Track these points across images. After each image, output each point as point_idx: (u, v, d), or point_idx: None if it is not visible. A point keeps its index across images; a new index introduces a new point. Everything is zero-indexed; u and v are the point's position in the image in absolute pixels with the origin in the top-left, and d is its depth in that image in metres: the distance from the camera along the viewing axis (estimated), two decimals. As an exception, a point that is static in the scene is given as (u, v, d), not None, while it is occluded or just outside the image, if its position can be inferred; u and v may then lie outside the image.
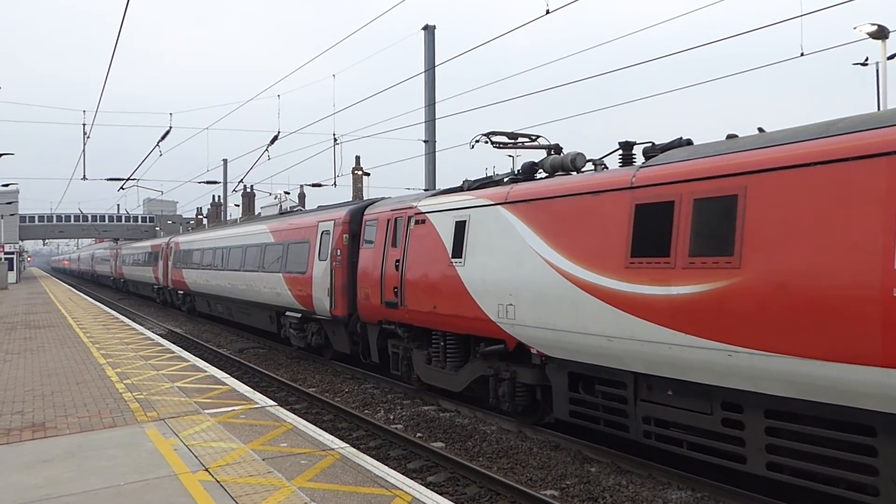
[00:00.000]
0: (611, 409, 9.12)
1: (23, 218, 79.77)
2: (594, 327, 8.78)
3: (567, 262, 9.31)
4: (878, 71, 21.16)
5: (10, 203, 59.18)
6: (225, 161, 50.42)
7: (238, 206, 69.99)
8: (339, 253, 15.86)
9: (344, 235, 15.86)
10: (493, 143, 12.96)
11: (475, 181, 12.43)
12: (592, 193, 9.19)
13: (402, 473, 7.90)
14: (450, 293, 11.63)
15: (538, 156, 12.19)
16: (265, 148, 26.88)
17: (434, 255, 12.17)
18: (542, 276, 9.69)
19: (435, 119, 22.73)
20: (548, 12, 13.72)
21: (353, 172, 42.05)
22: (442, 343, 12.27)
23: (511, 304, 10.26)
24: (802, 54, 14.15)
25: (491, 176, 12.47)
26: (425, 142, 23.03)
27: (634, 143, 9.73)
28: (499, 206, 10.86)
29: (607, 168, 10.48)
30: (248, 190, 60.88)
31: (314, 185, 36.68)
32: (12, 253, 60.40)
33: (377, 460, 7.81)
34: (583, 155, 10.74)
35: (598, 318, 8.72)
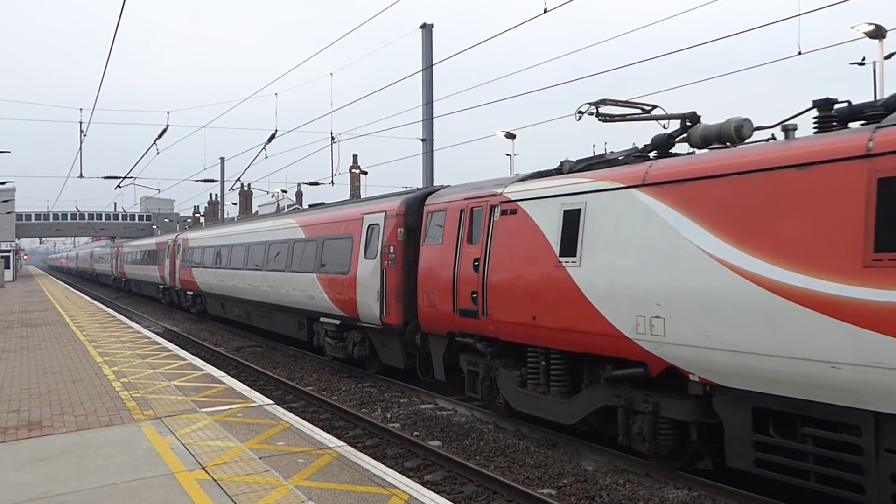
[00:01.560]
0: (831, 462, 6.81)
1: (19, 216, 79.58)
2: (807, 349, 6.64)
3: (755, 260, 7.16)
4: (875, 70, 21.20)
5: (6, 201, 59.05)
6: (222, 159, 50.39)
7: (235, 204, 69.96)
8: (391, 250, 13.74)
9: (398, 230, 13.73)
10: (599, 115, 10.40)
11: (580, 161, 10.37)
12: (797, 167, 7.00)
13: (400, 472, 7.91)
14: (557, 301, 9.45)
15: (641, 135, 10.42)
16: (262, 146, 26.83)
17: (532, 252, 10.00)
18: (710, 279, 7.53)
19: (432, 118, 22.72)
20: (545, 11, 13.71)
21: (350, 171, 42.04)
22: (543, 363, 10.06)
23: (658, 317, 8.01)
24: (800, 53, 14.17)
25: (603, 154, 10.40)
26: (423, 140, 23.02)
27: (835, 101, 7.53)
28: (633, 190, 8.57)
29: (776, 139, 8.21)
30: (246, 188, 60.84)
31: (311, 184, 36.63)
32: (8, 251, 60.27)
33: (374, 459, 7.81)
34: (749, 121, 8.58)
35: (814, 338, 6.59)
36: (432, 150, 22.91)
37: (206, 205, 79.45)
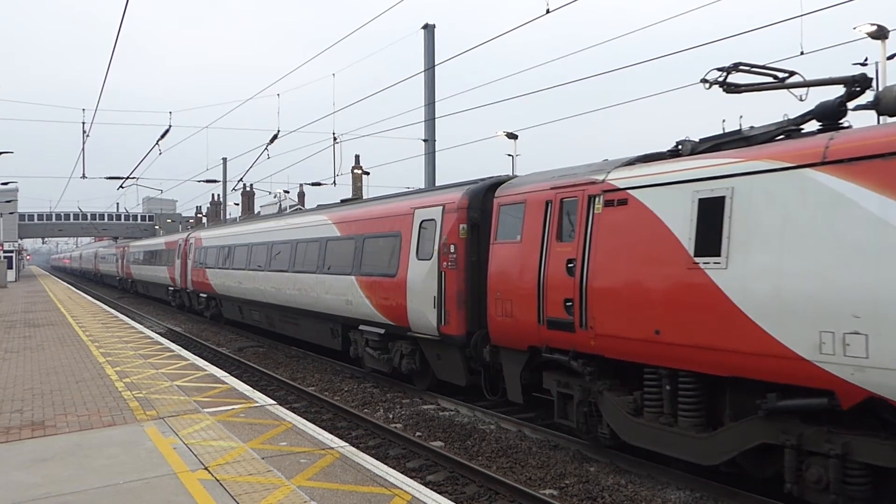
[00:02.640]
0: None
1: (22, 216, 79.83)
2: None
3: None
4: (877, 71, 21.18)
5: (9, 201, 59.18)
6: (224, 160, 50.46)
7: (237, 205, 70.09)
8: (452, 249, 12.07)
9: (460, 226, 12.04)
10: (726, 85, 8.60)
11: (705, 140, 8.70)
12: None
13: (402, 472, 7.91)
14: (692, 312, 7.73)
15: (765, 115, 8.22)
16: (265, 147, 26.88)
17: (652, 251, 8.25)
18: None
19: (434, 118, 22.74)
20: (548, 11, 13.72)
21: (352, 171, 42.09)
22: (668, 387, 8.25)
23: (856, 333, 6.29)
24: (802, 53, 14.17)
25: (738, 130, 8.49)
26: (425, 141, 23.04)
27: None
28: (807, 170, 6.93)
29: None
30: (248, 189, 60.95)
31: (314, 184, 36.72)
32: (11, 251, 60.39)
33: (376, 459, 7.81)
34: None
35: None
36: (434, 151, 22.92)
37: (209, 205, 79.65)
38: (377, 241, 14.64)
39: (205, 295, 28.37)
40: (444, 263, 12.22)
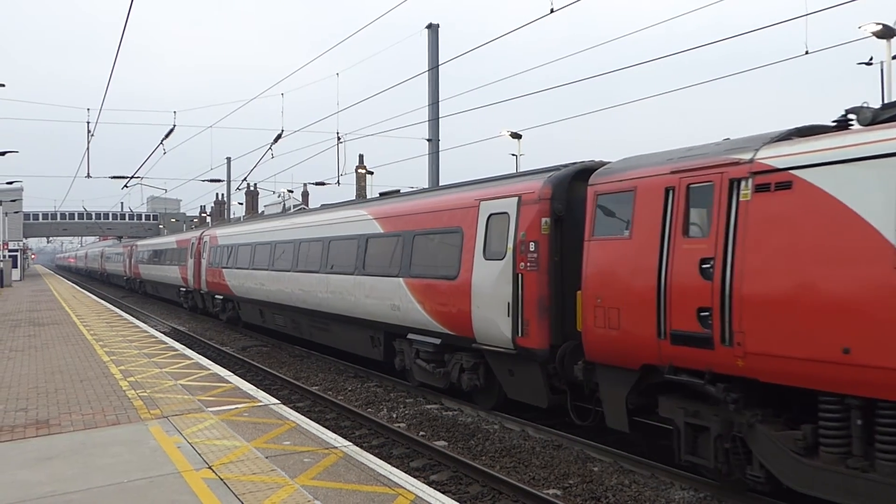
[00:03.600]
0: None
1: (27, 215, 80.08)
2: None
3: None
4: (882, 70, 21.14)
5: (14, 201, 59.35)
6: (228, 159, 50.55)
7: (241, 204, 70.19)
8: (532, 248, 10.37)
9: (542, 220, 10.34)
10: None
11: (891, 106, 7.21)
12: None
13: (405, 472, 7.91)
14: None
15: None
16: (269, 146, 26.92)
17: (837, 246, 6.61)
18: None
19: (438, 118, 22.74)
20: (552, 11, 13.71)
21: (356, 171, 42.12)
22: (858, 421, 6.59)
23: None
24: (807, 52, 14.14)
25: None
26: (429, 140, 23.03)
27: None
28: None
29: None
30: (252, 188, 61.02)
31: (318, 184, 36.76)
32: (16, 250, 60.56)
33: (380, 459, 7.83)
34: None
35: None
36: (438, 151, 22.93)
37: (213, 205, 79.78)
38: (431, 238, 12.97)
39: (221, 297, 26.51)
40: (522, 264, 10.48)
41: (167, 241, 37.84)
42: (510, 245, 10.77)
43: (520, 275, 10.52)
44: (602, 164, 10.36)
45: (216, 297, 27.14)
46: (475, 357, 11.85)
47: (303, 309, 18.36)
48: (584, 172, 10.28)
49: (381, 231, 14.69)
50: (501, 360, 11.20)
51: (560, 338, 10.19)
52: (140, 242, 48.14)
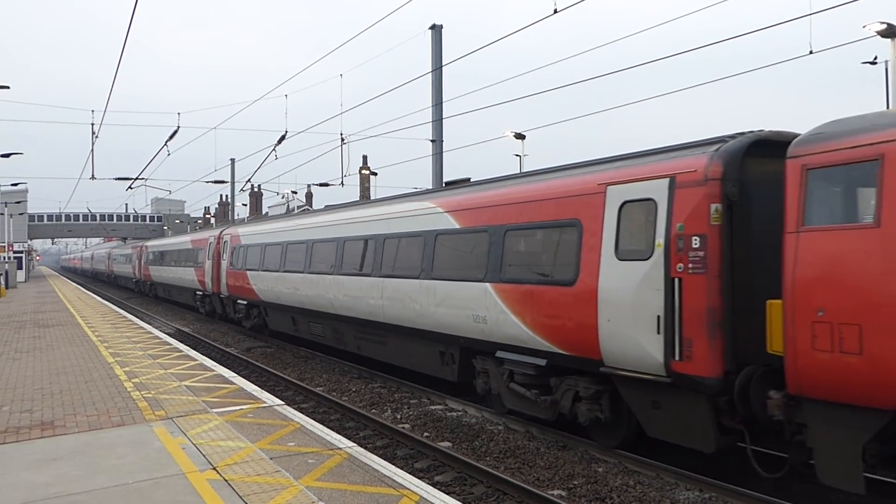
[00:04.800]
0: None
1: (31, 217, 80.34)
2: None
3: None
4: (887, 69, 21.09)
5: (19, 202, 59.54)
6: (232, 160, 50.61)
7: (245, 205, 70.36)
8: (696, 243, 8.08)
9: (712, 206, 8.02)
10: None
11: None
12: None
13: (410, 473, 7.92)
14: None
15: None
16: (272, 147, 26.93)
17: None
18: None
19: (442, 118, 22.73)
20: (555, 11, 13.70)
21: (360, 172, 42.16)
22: None
23: None
24: (811, 52, 14.10)
25: None
26: (432, 141, 23.03)
27: None
28: None
29: None
30: (256, 189, 61.14)
31: (321, 185, 36.76)
32: (21, 252, 60.74)
33: (384, 460, 7.82)
34: None
35: None
36: (442, 152, 22.92)
37: (217, 206, 79.95)
38: (532, 233, 10.79)
39: (244, 302, 24.02)
40: (680, 265, 8.20)
41: (181, 240, 35.28)
42: (659, 241, 8.46)
43: (677, 279, 8.18)
44: (779, 133, 8.45)
45: (238, 301, 24.67)
46: (597, 383, 9.52)
47: (348, 318, 16.09)
48: (758, 145, 8.25)
49: (457, 226, 12.35)
50: (643, 389, 8.84)
51: (733, 362, 7.86)
52: (151, 243, 45.93)
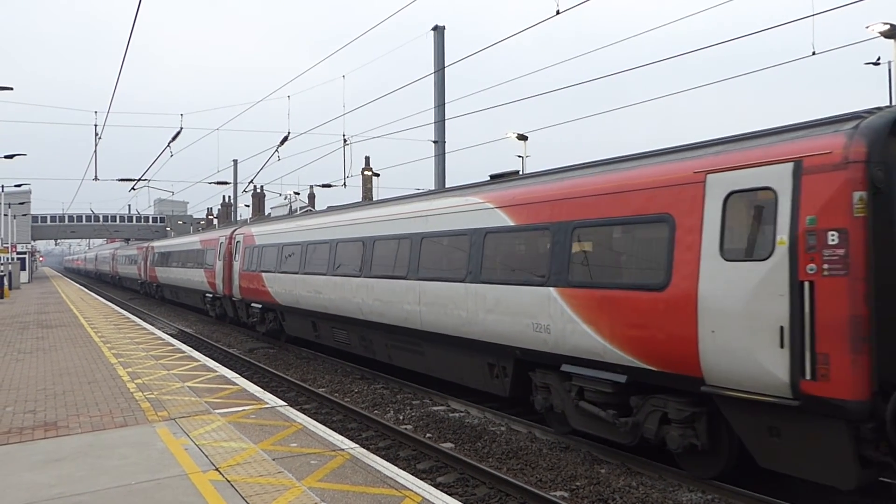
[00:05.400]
0: None
1: (35, 218, 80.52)
2: None
3: None
4: (890, 70, 21.07)
5: (22, 203, 59.69)
6: (235, 162, 50.72)
7: (248, 206, 70.45)
8: (833, 239, 6.87)
9: (854, 195, 6.82)
10: None
11: None
12: None
13: (412, 474, 7.92)
14: None
15: None
16: (275, 149, 26.96)
17: None
18: None
19: (444, 120, 22.75)
20: (558, 13, 13.71)
21: (362, 173, 42.19)
22: None
23: None
24: (814, 53, 14.09)
25: None
26: (435, 142, 23.05)
27: None
28: None
29: None
30: (259, 190, 61.19)
31: (324, 186, 36.79)
32: (24, 253, 60.87)
33: (387, 461, 7.83)
34: None
35: None
36: (444, 153, 22.93)
37: (220, 207, 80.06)
38: (608, 231, 9.44)
39: (259, 305, 22.72)
40: (813, 266, 6.91)
41: (189, 241, 33.98)
42: (782, 238, 7.19)
43: (807, 283, 6.92)
44: None
45: (252, 305, 23.30)
46: (692, 404, 8.31)
47: (379, 324, 14.80)
48: None
49: (511, 223, 11.03)
50: (757, 412, 7.57)
51: (878, 382, 6.72)
52: (157, 243, 44.40)
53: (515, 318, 10.59)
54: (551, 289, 9.94)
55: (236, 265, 24.62)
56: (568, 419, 10.11)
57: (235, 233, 25.67)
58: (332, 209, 19.83)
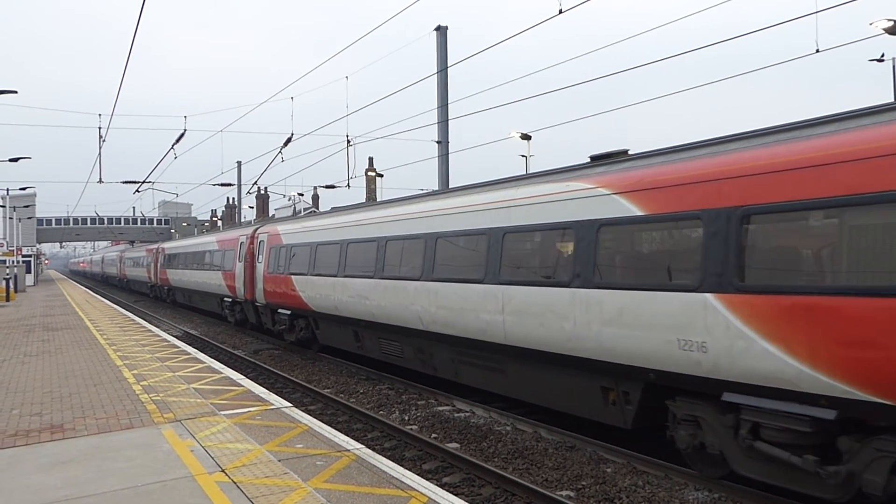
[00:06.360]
0: None
1: (40, 221, 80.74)
2: None
3: None
4: (894, 66, 21.02)
5: (27, 206, 59.84)
6: (239, 163, 50.77)
7: (252, 207, 70.54)
8: None
9: None
10: None
11: None
12: None
13: (418, 474, 7.92)
14: None
15: None
16: (279, 150, 27.00)
17: None
18: None
19: (448, 120, 22.74)
20: (560, 12, 13.70)
21: (366, 174, 42.24)
22: None
23: None
24: (818, 51, 14.04)
25: None
26: (438, 143, 23.04)
27: None
28: None
29: None
30: (263, 192, 61.29)
31: (328, 187, 36.84)
32: (30, 256, 61.05)
33: (392, 461, 7.82)
34: None
35: None
36: (448, 153, 22.92)
37: (224, 208, 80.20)
38: (804, 218, 7.20)
39: (287, 312, 20.74)
40: None
41: (204, 241, 31.85)
42: None
43: None
44: None
45: (280, 311, 21.29)
46: None
47: (444, 335, 12.75)
48: None
49: (638, 212, 8.83)
50: None
51: None
52: (168, 244, 42.49)
53: (649, 333, 8.41)
54: (708, 295, 7.79)
55: (260, 267, 22.67)
56: (730, 462, 7.97)
57: (258, 232, 23.60)
58: (380, 203, 17.64)
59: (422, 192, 15.62)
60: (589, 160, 10.63)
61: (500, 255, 11.22)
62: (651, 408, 8.98)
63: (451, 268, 12.55)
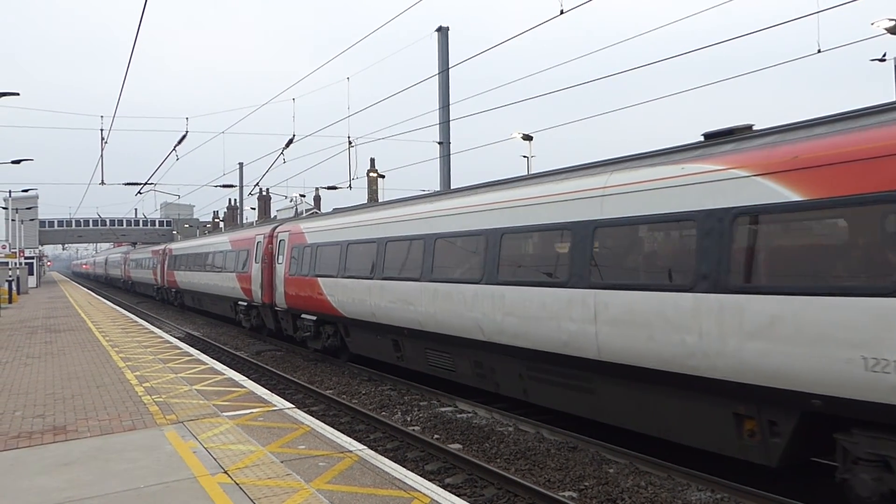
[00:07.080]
0: None
1: (42, 223, 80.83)
2: None
3: None
4: (895, 66, 21.00)
5: (29, 208, 59.93)
6: (241, 165, 50.85)
7: (254, 209, 70.59)
8: None
9: None
10: None
11: None
12: None
13: (420, 475, 7.91)
14: None
15: None
16: (280, 151, 27.02)
17: None
18: None
19: (449, 121, 22.75)
20: (562, 12, 13.70)
21: (368, 175, 42.25)
22: None
23: None
24: (819, 51, 14.04)
25: None
26: (440, 143, 23.05)
27: None
28: None
29: None
30: (264, 193, 61.35)
31: (330, 188, 36.86)
32: (32, 258, 61.14)
33: (395, 462, 7.82)
34: None
35: None
36: (449, 154, 22.94)
37: (226, 210, 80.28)
38: None
39: (313, 317, 18.90)
40: None
41: (217, 241, 30.02)
42: None
43: None
44: None
45: (304, 317, 19.47)
46: None
47: (512, 347, 11.00)
48: None
49: (794, 197, 7.04)
50: None
51: None
52: (176, 245, 40.66)
53: (818, 349, 6.64)
54: None
55: (280, 269, 20.93)
56: None
57: (278, 230, 21.81)
58: (428, 195, 15.52)
59: (481, 183, 13.17)
60: (702, 139, 8.87)
61: (591, 255, 9.43)
62: (807, 441, 7.31)
63: (522, 269, 11.00)
